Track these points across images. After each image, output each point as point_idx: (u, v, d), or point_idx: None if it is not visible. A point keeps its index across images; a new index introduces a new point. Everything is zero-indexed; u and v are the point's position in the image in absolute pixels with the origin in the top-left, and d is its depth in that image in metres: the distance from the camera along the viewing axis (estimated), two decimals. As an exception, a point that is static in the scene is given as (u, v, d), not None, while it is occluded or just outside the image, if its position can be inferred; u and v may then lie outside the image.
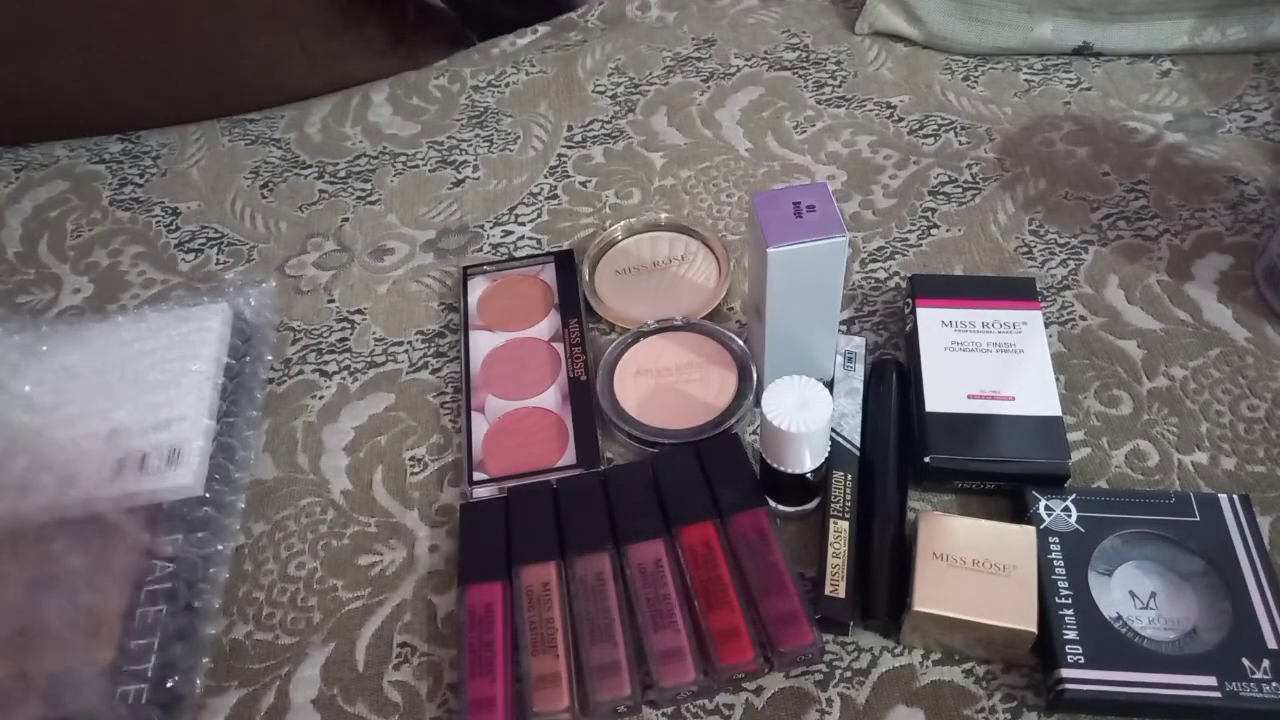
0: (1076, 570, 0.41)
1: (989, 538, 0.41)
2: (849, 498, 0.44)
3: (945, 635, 0.40)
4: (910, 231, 0.58)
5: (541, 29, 0.75)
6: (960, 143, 0.62)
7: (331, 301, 0.58)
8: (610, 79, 0.70)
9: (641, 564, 0.42)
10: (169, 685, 0.41)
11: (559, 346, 0.53)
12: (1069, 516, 0.43)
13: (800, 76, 0.68)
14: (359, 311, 0.57)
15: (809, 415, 0.40)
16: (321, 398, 0.53)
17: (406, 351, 0.55)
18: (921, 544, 0.41)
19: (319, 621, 0.44)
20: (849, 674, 0.41)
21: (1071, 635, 0.39)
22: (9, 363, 0.49)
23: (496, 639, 0.41)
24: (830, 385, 0.48)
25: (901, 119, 0.64)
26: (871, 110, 0.65)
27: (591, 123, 0.67)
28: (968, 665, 0.41)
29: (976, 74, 0.67)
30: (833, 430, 0.46)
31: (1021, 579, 0.40)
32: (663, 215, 0.59)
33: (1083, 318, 0.52)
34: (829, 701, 0.40)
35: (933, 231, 0.58)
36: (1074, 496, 0.43)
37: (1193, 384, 0.49)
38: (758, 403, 0.47)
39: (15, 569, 0.42)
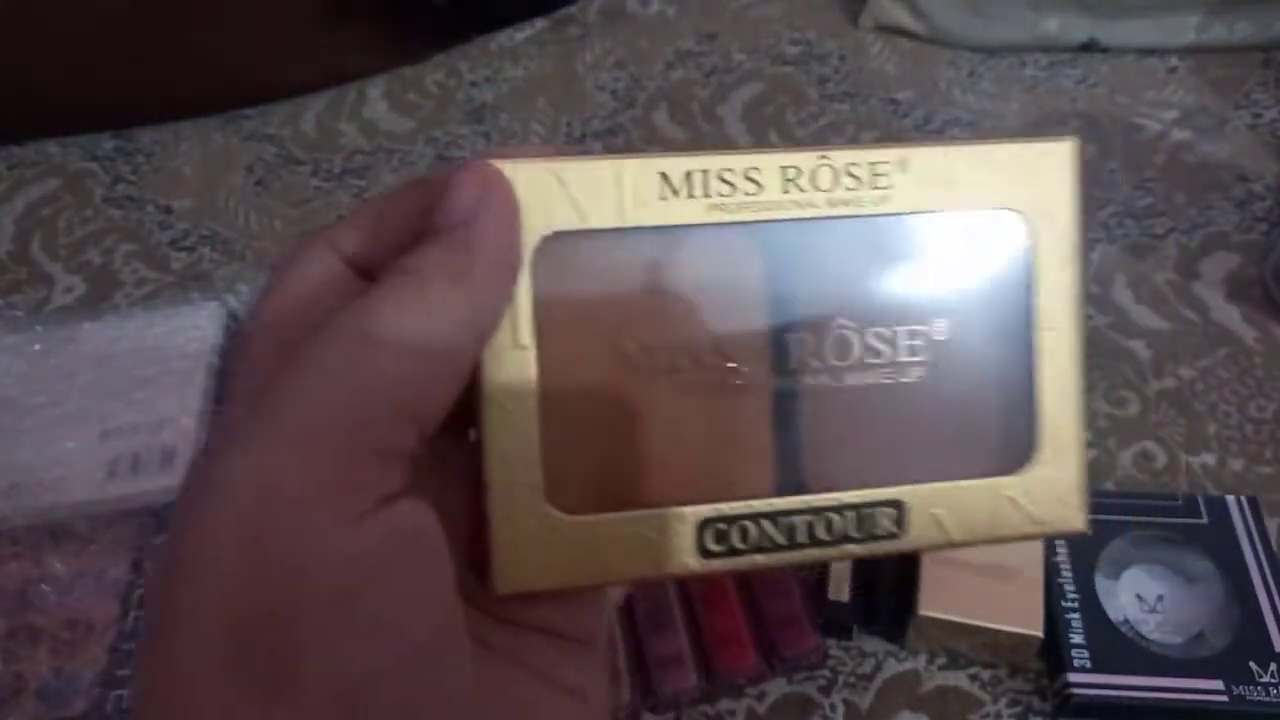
0: (1083, 573, 0.40)
1: (995, 541, 0.40)
2: (852, 500, 0.43)
3: (950, 639, 0.40)
4: (913, 229, 0.57)
5: (540, 24, 0.74)
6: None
7: (327, 300, 0.57)
8: (610, 74, 0.69)
9: (642, 567, 0.42)
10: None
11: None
12: (1076, 519, 0.42)
13: (803, 72, 0.67)
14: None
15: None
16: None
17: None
18: (926, 547, 0.40)
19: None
20: (853, 679, 0.40)
21: (1078, 639, 0.39)
22: (1, 365, 0.49)
23: (494, 644, 0.40)
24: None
25: (906, 115, 0.64)
26: (875, 106, 0.64)
27: (591, 118, 0.66)
28: (973, 670, 0.41)
29: (982, 70, 0.66)
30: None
31: (1028, 582, 0.39)
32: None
33: (1090, 317, 0.52)
34: (832, 707, 0.40)
35: (936, 229, 0.57)
36: (1081, 499, 0.43)
37: (1200, 384, 0.48)
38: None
39: (4, 574, 0.41)
